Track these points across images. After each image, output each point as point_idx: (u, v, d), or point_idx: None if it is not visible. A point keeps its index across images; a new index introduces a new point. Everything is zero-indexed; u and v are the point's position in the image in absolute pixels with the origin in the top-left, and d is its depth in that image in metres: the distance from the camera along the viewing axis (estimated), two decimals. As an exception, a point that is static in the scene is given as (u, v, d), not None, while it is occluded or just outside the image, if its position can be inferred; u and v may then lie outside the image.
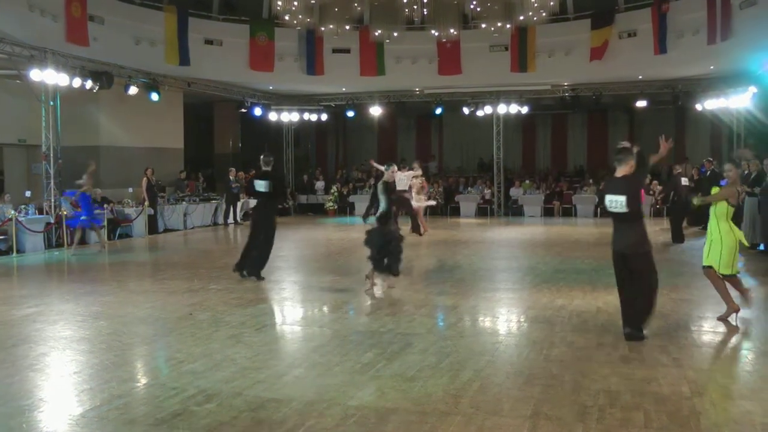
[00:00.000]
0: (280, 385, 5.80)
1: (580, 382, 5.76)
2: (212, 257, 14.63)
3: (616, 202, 6.85)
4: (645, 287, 6.94)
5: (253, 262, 11.21)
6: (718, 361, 6.61)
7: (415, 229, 18.13)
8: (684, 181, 17.13)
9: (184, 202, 21.51)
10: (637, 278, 6.92)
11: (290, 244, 16.64)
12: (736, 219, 9.37)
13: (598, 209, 24.41)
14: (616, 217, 6.97)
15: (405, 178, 18.03)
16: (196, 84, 22.05)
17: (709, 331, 7.60)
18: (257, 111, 25.06)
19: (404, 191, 17.40)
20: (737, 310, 7.89)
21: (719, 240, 7.84)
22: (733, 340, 7.24)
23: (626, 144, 7.05)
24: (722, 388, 5.65)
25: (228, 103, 25.83)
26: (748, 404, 5.20)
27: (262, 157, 11.26)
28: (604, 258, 13.52)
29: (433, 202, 19.93)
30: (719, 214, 7.90)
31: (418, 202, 18.52)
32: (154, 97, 20.45)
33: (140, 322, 8.28)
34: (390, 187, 10.36)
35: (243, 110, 25.04)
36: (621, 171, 6.93)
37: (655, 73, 21.65)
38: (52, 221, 16.39)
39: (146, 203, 19.15)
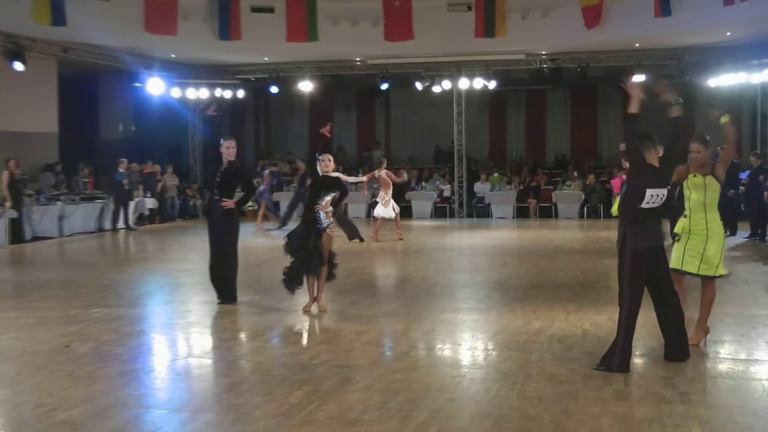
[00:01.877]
0: (184, 435, 5.70)
1: (563, 424, 5.79)
2: (97, 273, 14.35)
3: (657, 196, 7.15)
4: (678, 298, 7.37)
5: (226, 283, 10.72)
6: (738, 395, 6.67)
7: (353, 236, 18.24)
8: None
9: (59, 202, 21.04)
10: (667, 282, 7.29)
11: (197, 254, 16.42)
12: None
13: (585, 208, 24.80)
14: (651, 212, 7.21)
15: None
16: (74, 50, 21.61)
17: (726, 358, 7.74)
18: (155, 86, 24.69)
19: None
20: (707, 332, 8.12)
21: (716, 235, 7.91)
22: (756, 369, 7.37)
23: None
24: (744, 429, 5.74)
25: (117, 75, 25.40)
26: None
27: (224, 142, 10.72)
28: (591, 269, 13.75)
29: (393, 214, 19.39)
30: (710, 203, 7.94)
31: (385, 207, 18.68)
32: (18, 66, 20.03)
33: None
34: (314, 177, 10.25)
35: (137, 84, 24.64)
36: (653, 158, 7.23)
37: (656, 40, 21.94)
38: None
39: (8, 204, 18.70)
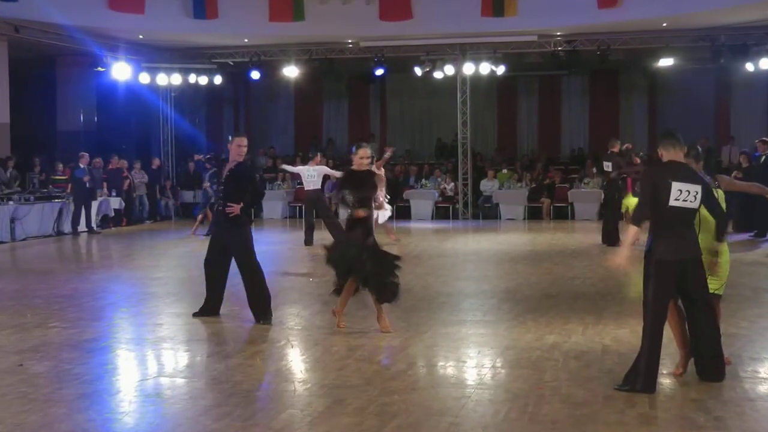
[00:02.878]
0: (154, 464, 5.71)
1: (580, 450, 5.82)
2: (54, 281, 14.32)
3: (690, 193, 7.10)
4: (714, 313, 7.33)
5: (258, 300, 10.51)
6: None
7: (309, 241, 18.40)
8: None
9: (10, 202, 21.00)
10: (701, 296, 7.27)
11: (170, 260, 16.41)
12: None
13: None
14: (680, 214, 7.16)
15: (315, 174, 18.92)
16: (28, 29, 21.58)
17: (767, 378, 7.74)
18: (120, 71, 24.67)
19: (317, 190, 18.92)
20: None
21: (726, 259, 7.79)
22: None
23: None
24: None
25: (77, 58, 25.38)
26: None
27: (235, 138, 10.64)
28: (612, 277, 13.73)
29: (387, 213, 19.19)
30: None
31: (383, 209, 18.60)
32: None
33: (-56, 377, 8.02)
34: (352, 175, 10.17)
35: (100, 69, 24.63)
36: (676, 157, 7.28)
37: (687, 19, 21.92)
38: None
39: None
